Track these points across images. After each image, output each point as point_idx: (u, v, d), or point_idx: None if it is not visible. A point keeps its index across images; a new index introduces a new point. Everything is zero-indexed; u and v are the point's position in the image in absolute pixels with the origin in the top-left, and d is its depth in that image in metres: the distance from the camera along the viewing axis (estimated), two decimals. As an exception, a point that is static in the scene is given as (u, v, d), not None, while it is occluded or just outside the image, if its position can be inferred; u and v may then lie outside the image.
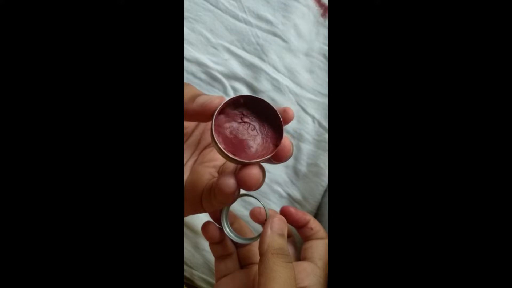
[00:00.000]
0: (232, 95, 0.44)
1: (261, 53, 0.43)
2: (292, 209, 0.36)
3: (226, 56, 0.43)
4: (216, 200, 0.25)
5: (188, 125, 0.29)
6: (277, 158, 0.23)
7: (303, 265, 0.32)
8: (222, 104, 0.23)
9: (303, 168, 0.44)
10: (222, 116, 0.24)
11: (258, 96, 0.24)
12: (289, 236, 0.37)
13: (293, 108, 0.43)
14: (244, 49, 0.44)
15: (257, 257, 0.30)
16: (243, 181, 0.22)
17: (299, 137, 0.44)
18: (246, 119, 0.24)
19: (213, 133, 0.23)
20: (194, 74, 0.43)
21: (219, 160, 0.28)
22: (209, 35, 0.43)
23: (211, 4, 0.43)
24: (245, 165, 0.23)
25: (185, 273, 0.45)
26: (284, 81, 0.43)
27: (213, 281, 0.45)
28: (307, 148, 0.44)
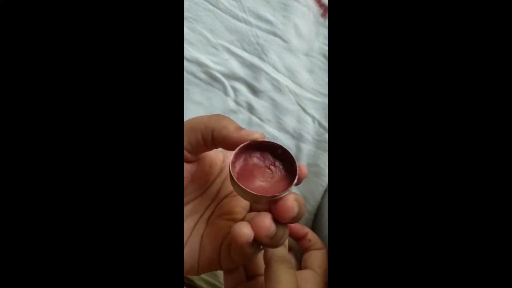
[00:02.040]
0: (232, 95, 0.44)
1: (261, 53, 0.43)
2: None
3: (226, 56, 0.43)
4: (234, 253, 0.24)
5: (211, 172, 0.29)
6: (279, 216, 0.23)
7: (304, 273, 0.36)
8: (260, 140, 0.24)
9: (303, 168, 0.44)
10: (251, 151, 0.25)
11: (287, 149, 0.25)
12: (291, 249, 0.41)
13: (293, 108, 0.44)
14: (244, 49, 0.44)
15: (262, 269, 0.33)
16: (255, 230, 0.22)
17: (299, 137, 0.44)
18: (272, 167, 0.25)
19: (234, 158, 0.23)
20: (194, 74, 0.43)
21: (239, 213, 0.28)
22: (209, 35, 0.43)
23: (211, 4, 0.43)
24: (260, 213, 0.23)
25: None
26: (284, 81, 0.43)
27: (213, 281, 0.45)
28: (307, 148, 0.44)
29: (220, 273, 0.44)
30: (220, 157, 0.29)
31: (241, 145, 0.24)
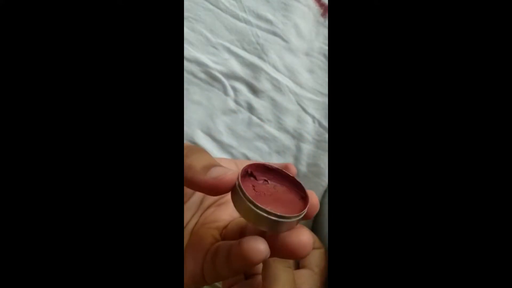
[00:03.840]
0: (231, 95, 0.44)
1: (261, 52, 0.43)
2: None
3: (226, 55, 0.44)
4: (231, 267, 0.21)
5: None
6: (308, 214, 0.21)
7: (302, 272, 0.36)
8: (241, 171, 0.22)
9: (303, 168, 0.44)
10: (245, 180, 0.22)
11: (261, 162, 0.23)
12: None
13: (293, 107, 0.44)
14: (244, 49, 0.44)
15: (259, 268, 0.32)
16: (288, 249, 0.20)
17: (299, 137, 0.44)
18: (268, 181, 0.23)
19: (241, 187, 0.21)
20: (194, 74, 0.43)
21: (223, 221, 0.26)
22: (209, 34, 0.43)
23: (211, 3, 0.43)
24: (288, 227, 0.20)
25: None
26: (284, 80, 0.43)
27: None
28: (307, 148, 0.44)
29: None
30: None
31: (238, 181, 0.21)
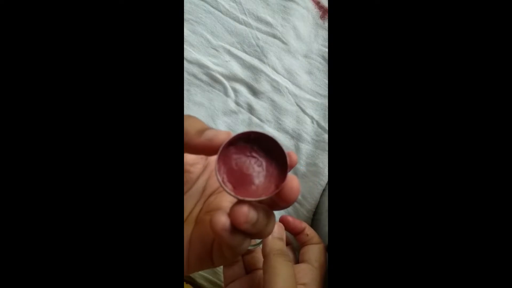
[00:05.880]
0: (232, 96, 0.44)
1: (261, 54, 0.44)
2: (289, 218, 0.39)
3: (227, 57, 0.44)
4: (224, 247, 0.23)
5: (193, 170, 0.28)
6: (282, 199, 0.22)
7: (302, 266, 0.36)
8: (233, 137, 0.22)
9: (302, 167, 0.44)
10: (231, 148, 0.23)
11: (269, 135, 0.23)
12: (289, 243, 0.41)
13: (292, 108, 0.44)
14: (244, 51, 0.44)
15: (260, 263, 0.33)
16: (232, 218, 0.21)
17: (298, 137, 0.44)
18: (254, 154, 0.23)
19: (217, 163, 0.22)
20: (195, 76, 0.44)
21: (227, 207, 0.26)
22: (209, 37, 0.44)
23: (212, 6, 0.44)
24: (239, 201, 0.22)
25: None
26: (284, 82, 0.44)
27: (214, 279, 0.46)
28: (306, 148, 0.44)
29: (220, 270, 0.44)
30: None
31: (221, 149, 0.22)
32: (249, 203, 0.21)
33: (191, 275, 0.46)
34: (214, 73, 0.44)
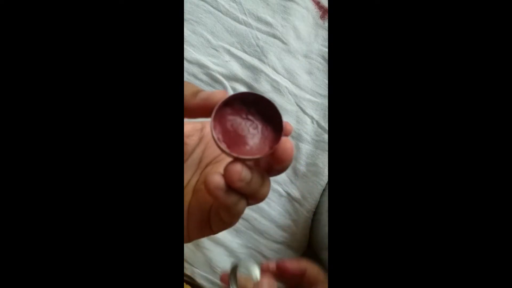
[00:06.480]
0: (232, 96, 0.45)
1: (261, 54, 0.44)
2: (287, 264, 0.34)
3: (227, 57, 0.44)
4: (220, 210, 0.24)
5: (188, 142, 0.28)
6: (277, 160, 0.23)
7: None
8: (229, 96, 0.22)
9: (302, 167, 0.45)
10: (227, 109, 0.23)
11: (267, 97, 0.23)
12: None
13: (292, 108, 0.44)
14: (244, 51, 0.44)
15: None
16: (225, 176, 0.22)
17: (298, 137, 0.44)
18: (250, 117, 0.24)
19: (212, 121, 0.22)
20: (195, 75, 0.44)
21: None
22: (210, 37, 0.44)
23: (212, 6, 0.44)
24: (233, 160, 0.22)
25: (186, 271, 0.46)
26: (284, 82, 0.44)
27: (214, 279, 0.46)
28: (306, 148, 0.44)
29: (220, 270, 0.44)
30: (198, 126, 0.29)
31: (216, 108, 0.22)
32: (243, 162, 0.22)
33: (191, 274, 0.46)
34: (214, 73, 0.44)
